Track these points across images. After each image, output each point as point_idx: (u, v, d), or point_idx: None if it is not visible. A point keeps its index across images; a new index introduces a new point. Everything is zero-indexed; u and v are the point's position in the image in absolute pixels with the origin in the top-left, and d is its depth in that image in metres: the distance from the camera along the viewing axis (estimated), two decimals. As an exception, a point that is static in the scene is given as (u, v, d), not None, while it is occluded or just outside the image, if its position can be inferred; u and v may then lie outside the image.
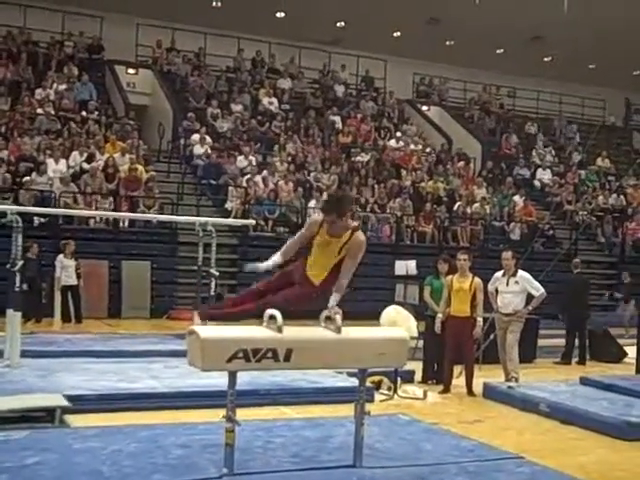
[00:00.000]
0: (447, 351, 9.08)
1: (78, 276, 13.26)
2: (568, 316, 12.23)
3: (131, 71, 21.06)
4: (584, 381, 9.27)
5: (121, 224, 15.45)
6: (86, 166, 16.09)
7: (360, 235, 5.29)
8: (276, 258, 5.28)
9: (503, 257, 9.40)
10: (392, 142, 21.42)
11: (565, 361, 11.74)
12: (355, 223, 5.39)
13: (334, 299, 5.17)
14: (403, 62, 23.81)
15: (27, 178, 15.10)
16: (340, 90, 23.07)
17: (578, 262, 13.23)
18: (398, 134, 21.82)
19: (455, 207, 19.01)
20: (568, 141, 24.99)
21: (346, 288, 5.26)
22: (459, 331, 8.96)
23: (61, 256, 13.11)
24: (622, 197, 22.02)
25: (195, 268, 11.53)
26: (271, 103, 20.99)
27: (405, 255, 14.10)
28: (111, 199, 15.50)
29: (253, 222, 14.64)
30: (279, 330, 4.98)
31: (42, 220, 14.52)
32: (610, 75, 24.34)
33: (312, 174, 18.57)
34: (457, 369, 9.22)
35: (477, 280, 9.11)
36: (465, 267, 9.14)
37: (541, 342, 11.98)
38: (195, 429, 6.23)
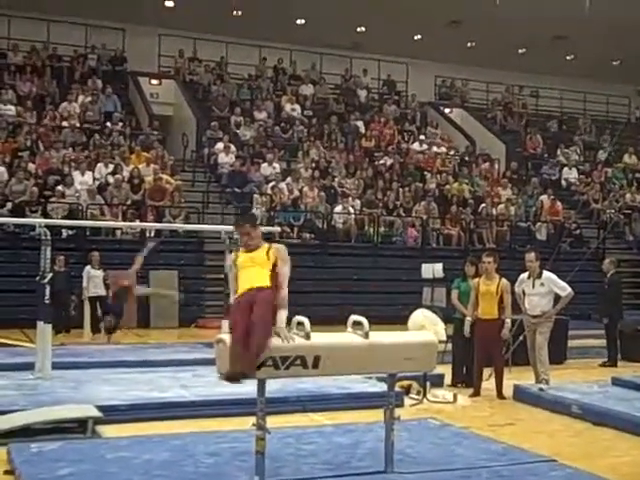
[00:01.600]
0: (476, 354, 9.03)
1: (107, 287, 13.31)
2: (610, 319, 11.83)
3: (154, 82, 21.23)
4: (616, 382, 9.17)
5: (147, 234, 15.54)
6: (111, 179, 16.21)
7: (276, 244, 5.43)
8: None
9: (527, 259, 9.32)
10: (415, 145, 21.37)
11: (612, 363, 11.52)
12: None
13: (281, 318, 5.05)
14: (424, 65, 23.77)
15: (58, 188, 15.24)
16: (362, 95, 23.07)
17: (615, 261, 12.54)
18: (421, 137, 21.77)
19: (480, 209, 18.92)
20: (594, 139, 24.76)
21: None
22: (488, 333, 8.91)
23: (88, 267, 13.19)
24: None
25: (222, 276, 11.59)
26: (294, 110, 21.03)
27: (432, 258, 14.04)
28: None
29: (279, 229, 14.64)
30: (307, 337, 4.99)
31: (70, 232, 14.66)
32: (635, 71, 24.09)
33: (336, 179, 18.57)
34: (487, 372, 9.17)
35: (504, 282, 9.06)
36: (490, 269, 9.09)
37: (571, 343, 11.87)
38: (225, 437, 6.26)
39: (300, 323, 5.04)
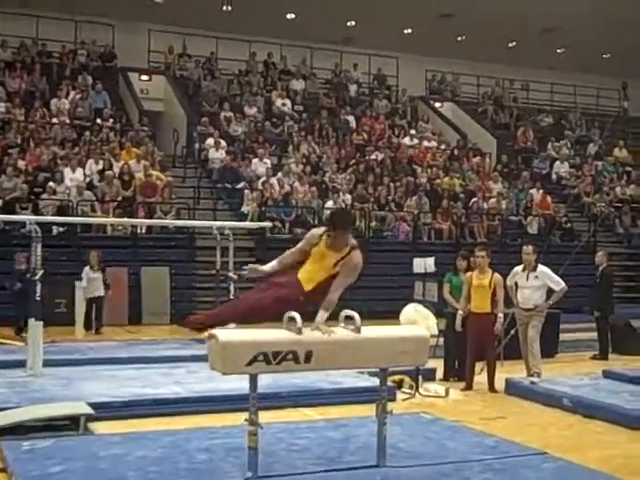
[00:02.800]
0: (469, 348, 9.06)
1: (107, 287, 13.23)
2: (602, 312, 11.87)
3: (144, 78, 21.15)
4: (607, 374, 9.22)
5: (138, 230, 15.52)
6: (101, 176, 16.16)
7: (357, 254, 5.26)
8: (274, 263, 5.32)
9: (524, 251, 9.33)
10: (406, 140, 21.37)
11: (603, 356, 11.56)
12: (355, 242, 5.33)
13: (321, 316, 5.12)
14: (415, 59, 23.76)
15: (49, 185, 15.19)
16: (353, 89, 23.06)
17: (607, 254, 12.51)
18: (412, 131, 21.78)
19: (471, 203, 18.94)
20: (584, 132, 24.81)
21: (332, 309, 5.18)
22: (480, 327, 8.93)
23: (87, 268, 13.01)
24: (641, 187, 21.87)
25: (213, 272, 11.59)
26: (284, 105, 21.00)
27: (423, 253, 14.07)
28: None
29: (270, 224, 14.65)
30: (299, 332, 5.00)
31: (60, 229, 14.61)
32: (625, 65, 24.14)
33: (327, 174, 18.57)
34: (479, 366, 9.20)
35: (497, 276, 9.08)
36: (483, 264, 9.12)
37: (562, 336, 11.92)
38: (218, 433, 6.26)
39: (292, 318, 5.04)
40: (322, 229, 5.32)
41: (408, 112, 23.33)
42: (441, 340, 9.68)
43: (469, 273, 9.32)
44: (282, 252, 5.46)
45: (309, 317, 5.14)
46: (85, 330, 12.93)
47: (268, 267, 5.32)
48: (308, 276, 5.20)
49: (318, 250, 5.23)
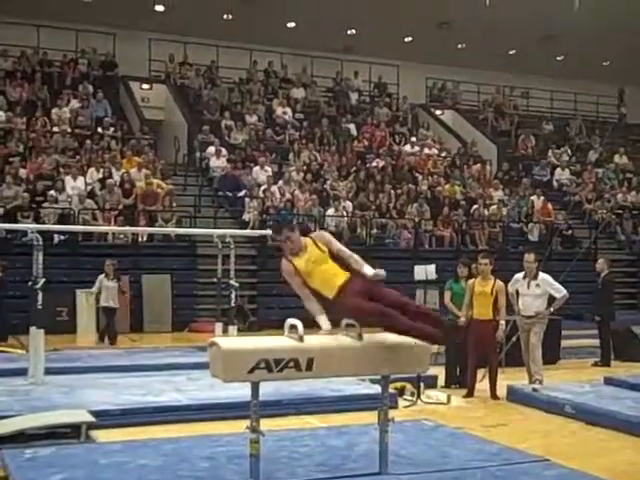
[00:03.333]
0: (471, 355, 9.05)
1: (123, 293, 13.10)
2: (603, 319, 11.83)
3: (145, 86, 21.22)
4: (609, 381, 9.21)
5: (140, 239, 15.53)
6: (102, 184, 16.18)
7: (314, 234, 5.52)
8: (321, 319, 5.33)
9: (526, 259, 9.34)
10: (407, 147, 21.40)
11: (605, 362, 11.54)
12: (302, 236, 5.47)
13: (367, 268, 5.22)
14: (415, 67, 23.81)
15: (50, 193, 15.20)
16: (354, 97, 23.10)
17: (608, 261, 12.41)
18: (413, 139, 21.80)
19: (472, 210, 18.95)
20: (585, 139, 24.82)
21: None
22: (482, 334, 8.93)
23: (102, 276, 12.82)
24: (642, 194, 21.87)
25: (215, 280, 11.59)
26: (285, 113, 21.03)
27: (424, 260, 14.03)
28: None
29: (271, 232, 14.64)
30: (300, 339, 4.99)
31: (62, 237, 14.62)
32: (625, 72, 24.18)
33: (328, 182, 18.58)
34: (480, 372, 9.19)
35: (499, 283, 9.08)
36: (487, 271, 9.12)
37: (564, 343, 11.90)
38: (220, 441, 6.25)
39: (293, 326, 5.04)
40: (285, 260, 5.38)
41: (409, 120, 23.37)
42: (443, 347, 9.68)
43: (471, 280, 9.31)
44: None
45: (310, 323, 5.13)
46: (100, 340, 12.79)
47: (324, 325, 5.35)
48: (334, 273, 5.28)
49: (302, 264, 5.29)
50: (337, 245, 5.40)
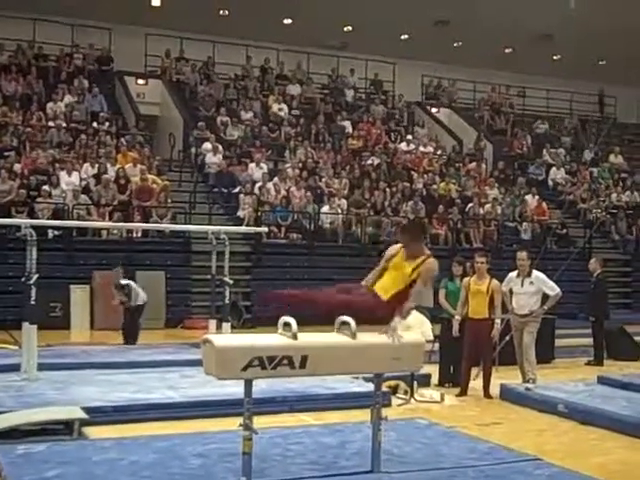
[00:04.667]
0: (465, 353, 9.05)
1: (128, 297, 12.69)
2: (597, 318, 11.88)
3: (141, 82, 21.16)
4: (602, 380, 9.22)
5: (134, 234, 15.50)
6: (97, 179, 16.14)
7: (433, 262, 5.56)
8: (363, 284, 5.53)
9: (518, 257, 9.36)
10: (403, 145, 21.39)
11: (598, 362, 11.56)
12: (428, 251, 5.63)
13: (397, 321, 5.35)
14: (411, 64, 23.78)
15: (45, 188, 15.16)
16: (349, 94, 23.08)
17: (601, 261, 12.48)
18: (408, 137, 21.80)
19: (467, 208, 18.96)
20: (580, 139, 24.84)
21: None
22: (477, 333, 8.93)
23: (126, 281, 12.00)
24: (636, 194, 21.90)
25: (209, 277, 11.57)
26: (281, 110, 21.01)
27: (419, 258, 14.03)
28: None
29: (266, 229, 14.65)
30: (294, 337, 4.99)
31: (56, 233, 14.58)
32: (621, 71, 24.19)
33: (323, 179, 18.57)
34: (474, 371, 9.19)
35: (495, 282, 9.09)
36: (483, 269, 9.12)
37: (558, 342, 11.92)
38: (212, 438, 6.24)
39: (287, 324, 5.03)
40: (399, 245, 5.60)
41: (404, 117, 23.37)
42: (436, 346, 9.69)
43: (467, 278, 9.31)
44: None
45: (304, 321, 5.13)
46: (125, 342, 12.03)
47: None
48: (386, 287, 5.42)
49: (395, 262, 5.50)
50: (421, 286, 5.46)
